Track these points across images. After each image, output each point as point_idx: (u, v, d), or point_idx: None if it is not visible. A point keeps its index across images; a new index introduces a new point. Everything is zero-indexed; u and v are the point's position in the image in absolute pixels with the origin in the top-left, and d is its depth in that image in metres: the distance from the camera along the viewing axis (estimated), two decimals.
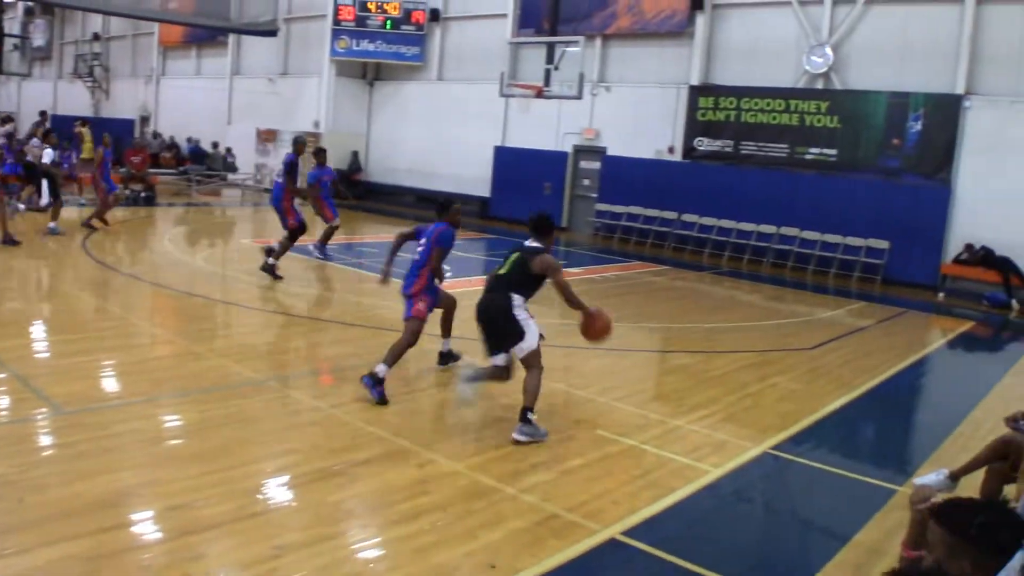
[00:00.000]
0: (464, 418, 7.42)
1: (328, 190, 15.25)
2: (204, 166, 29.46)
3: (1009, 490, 5.60)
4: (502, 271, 7.22)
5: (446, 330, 8.73)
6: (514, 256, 7.25)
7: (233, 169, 30.13)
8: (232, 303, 11.44)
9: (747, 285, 17.66)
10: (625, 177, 22.63)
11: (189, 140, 31.86)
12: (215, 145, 30.54)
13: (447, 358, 8.82)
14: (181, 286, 12.24)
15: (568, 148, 24.20)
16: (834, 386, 9.35)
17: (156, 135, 34.00)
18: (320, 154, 15.48)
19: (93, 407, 6.76)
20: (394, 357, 7.59)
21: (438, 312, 8.57)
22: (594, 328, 7.22)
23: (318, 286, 13.40)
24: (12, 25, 42.82)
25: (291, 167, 13.74)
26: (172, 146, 32.08)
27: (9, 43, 40.06)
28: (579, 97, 19.08)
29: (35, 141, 18.90)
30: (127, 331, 9.49)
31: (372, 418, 7.00)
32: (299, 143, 14.38)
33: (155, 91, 37.03)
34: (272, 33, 30.12)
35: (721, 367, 9.79)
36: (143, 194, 23.31)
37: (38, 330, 9.39)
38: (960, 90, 18.12)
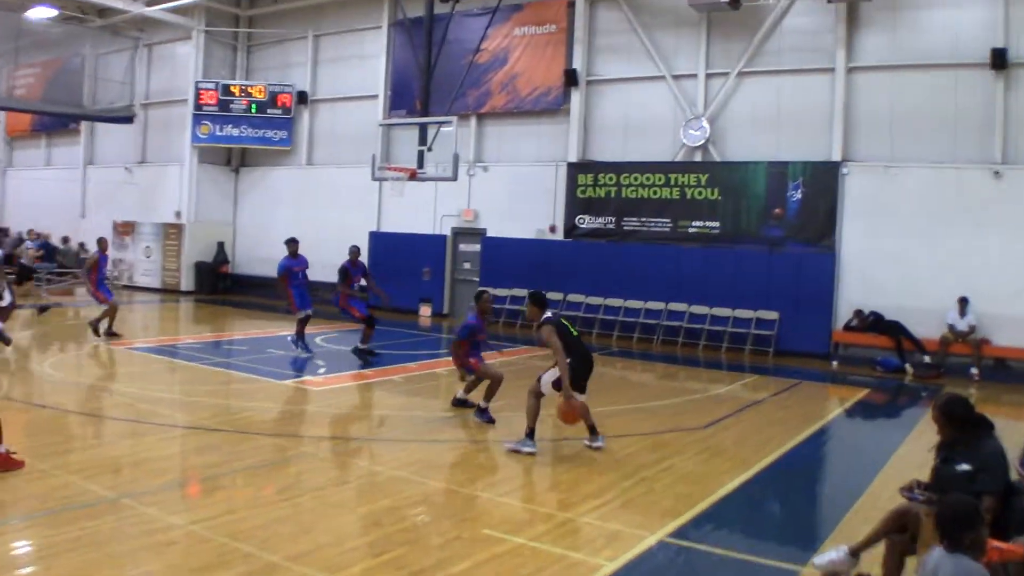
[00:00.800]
0: (341, 524, 7.08)
1: (299, 280, 16.25)
2: (54, 263, 28.38)
3: (911, 561, 5.58)
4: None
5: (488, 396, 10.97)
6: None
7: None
8: (85, 413, 10.85)
9: (638, 364, 17.78)
10: (507, 258, 22.73)
11: (37, 236, 30.73)
12: (66, 240, 29.53)
13: (462, 403, 11.36)
14: (27, 397, 11.62)
15: (447, 231, 24.27)
16: (731, 465, 9.34)
17: (7, 232, 32.71)
18: (292, 244, 16.59)
19: None
20: (491, 394, 10.04)
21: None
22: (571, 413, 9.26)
23: (181, 389, 12.85)
24: None
25: (344, 273, 15.62)
26: (18, 242, 30.87)
27: None
28: (454, 178, 19.08)
29: None
30: None
31: (237, 531, 6.61)
32: (353, 251, 15.99)
33: (1, 183, 35.74)
34: (128, 120, 29.48)
35: (614, 452, 9.70)
36: None
37: None
38: (837, 157, 18.91)
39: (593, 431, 9.84)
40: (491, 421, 10.86)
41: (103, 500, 7.32)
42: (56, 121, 32.81)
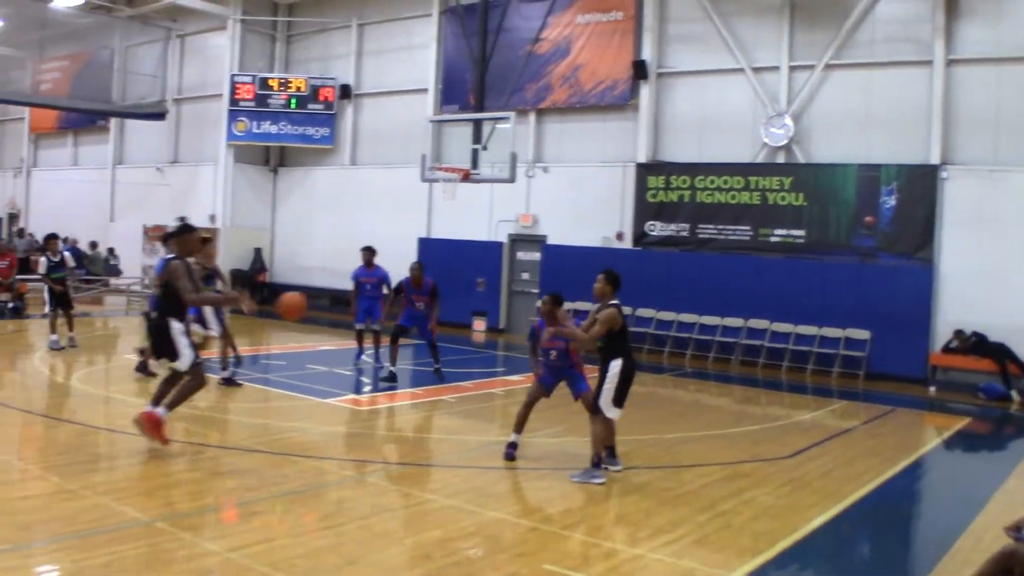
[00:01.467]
0: (388, 556, 7.15)
1: (367, 291, 16.94)
2: (82, 270, 28.96)
3: None
4: None
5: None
6: None
7: (116, 272, 29.70)
8: (115, 430, 11.02)
9: (714, 387, 17.69)
10: (569, 268, 22.57)
11: (64, 241, 31.39)
12: (94, 245, 30.11)
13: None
14: (54, 411, 11.90)
15: (503, 237, 24.38)
16: (817, 498, 9.26)
17: (22, 234, 33.48)
18: (366, 252, 17.25)
19: None
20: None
21: None
22: None
23: (218, 407, 13.06)
24: None
25: (398, 288, 16.09)
26: (44, 247, 31.56)
27: None
28: (512, 180, 19.19)
29: None
30: None
31: (278, 561, 6.69)
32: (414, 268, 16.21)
33: (25, 184, 36.64)
34: (160, 116, 30.13)
35: (688, 483, 9.67)
36: (10, 305, 22.80)
37: None
38: (935, 160, 18.67)
39: (612, 453, 9.94)
40: None
41: (136, 523, 7.44)
42: (83, 118, 33.60)
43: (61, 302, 17.58)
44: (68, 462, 9.46)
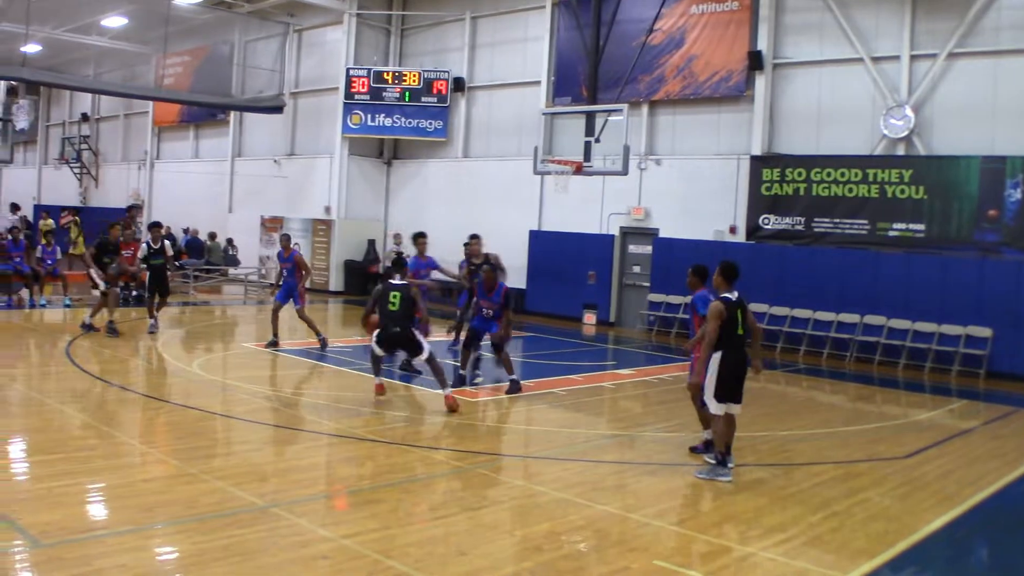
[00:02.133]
0: (497, 548, 7.26)
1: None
2: (202, 260, 29.82)
3: None
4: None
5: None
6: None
7: (235, 263, 30.49)
8: (232, 416, 11.43)
9: (828, 384, 17.43)
10: (681, 262, 22.29)
11: (186, 231, 32.37)
12: (213, 236, 30.99)
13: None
14: (175, 397, 12.30)
15: (614, 230, 24.34)
16: (935, 501, 9.10)
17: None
18: (419, 240, 17.63)
19: (75, 539, 6.70)
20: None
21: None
22: None
23: (328, 395, 13.38)
24: None
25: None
26: (167, 237, 32.56)
27: None
28: (625, 172, 19.14)
29: None
30: (113, 450, 9.46)
31: (390, 549, 6.88)
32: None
33: (148, 176, 37.88)
34: (278, 110, 30.83)
35: (800, 482, 9.59)
36: (134, 292, 23.54)
37: (13, 449, 9.39)
38: None
39: (727, 451, 9.72)
40: None
41: (253, 508, 7.71)
42: (204, 111, 34.62)
43: (159, 288, 18.25)
44: (188, 447, 9.83)
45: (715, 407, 9.41)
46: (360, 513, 7.84)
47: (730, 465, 9.61)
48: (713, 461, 9.56)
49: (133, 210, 25.66)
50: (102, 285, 17.69)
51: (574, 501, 8.41)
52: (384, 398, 12.67)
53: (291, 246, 17.73)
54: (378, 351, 12.49)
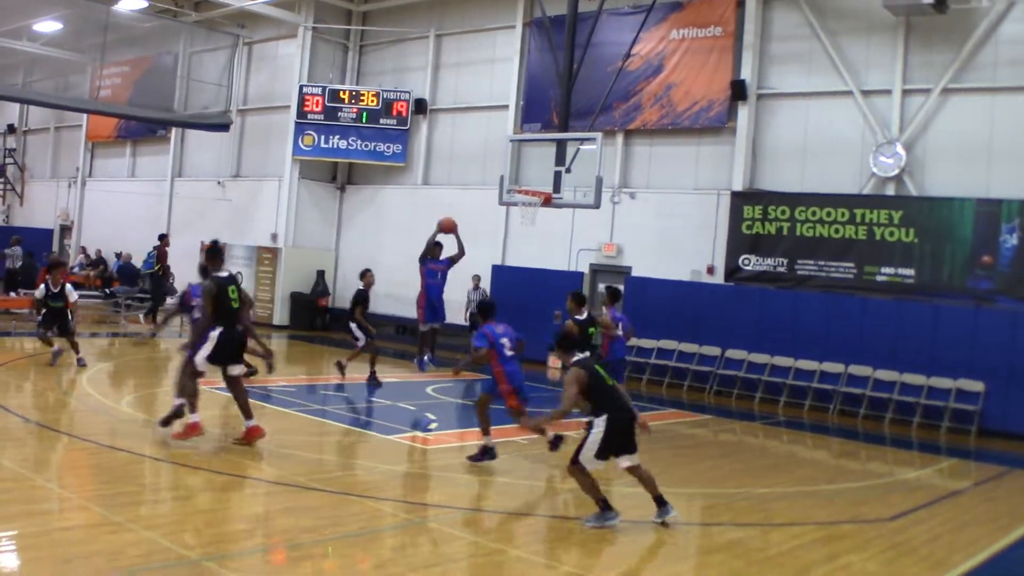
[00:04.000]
0: None
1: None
2: (136, 287, 29.55)
3: None
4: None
5: None
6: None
7: (171, 292, 30.16)
8: (164, 460, 11.28)
9: (810, 438, 17.54)
10: (655, 303, 22.64)
11: (118, 256, 32.07)
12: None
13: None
14: (102, 438, 12.11)
15: (584, 268, 24.41)
16: (923, 567, 9.14)
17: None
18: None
19: None
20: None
21: None
22: None
23: (272, 439, 13.18)
24: None
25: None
26: (97, 262, 32.32)
27: None
28: (597, 206, 19.21)
29: None
30: (29, 494, 9.31)
31: None
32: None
33: (79, 195, 37.63)
34: (224, 127, 30.77)
35: (780, 544, 9.61)
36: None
37: None
38: None
39: (661, 502, 9.68)
40: None
41: (184, 561, 7.62)
42: (143, 127, 34.50)
43: (61, 328, 17.84)
44: (112, 492, 9.70)
45: (594, 464, 9.46)
46: (299, 569, 7.82)
47: (671, 515, 9.59)
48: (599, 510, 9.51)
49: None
50: None
51: (534, 560, 8.43)
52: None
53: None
54: None
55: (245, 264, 29.67)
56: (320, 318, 29.15)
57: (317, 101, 28.53)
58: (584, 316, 14.29)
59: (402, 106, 28.22)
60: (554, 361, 23.93)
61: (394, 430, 14.39)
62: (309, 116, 28.61)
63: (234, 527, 9.11)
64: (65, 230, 37.47)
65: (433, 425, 14.77)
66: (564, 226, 24.03)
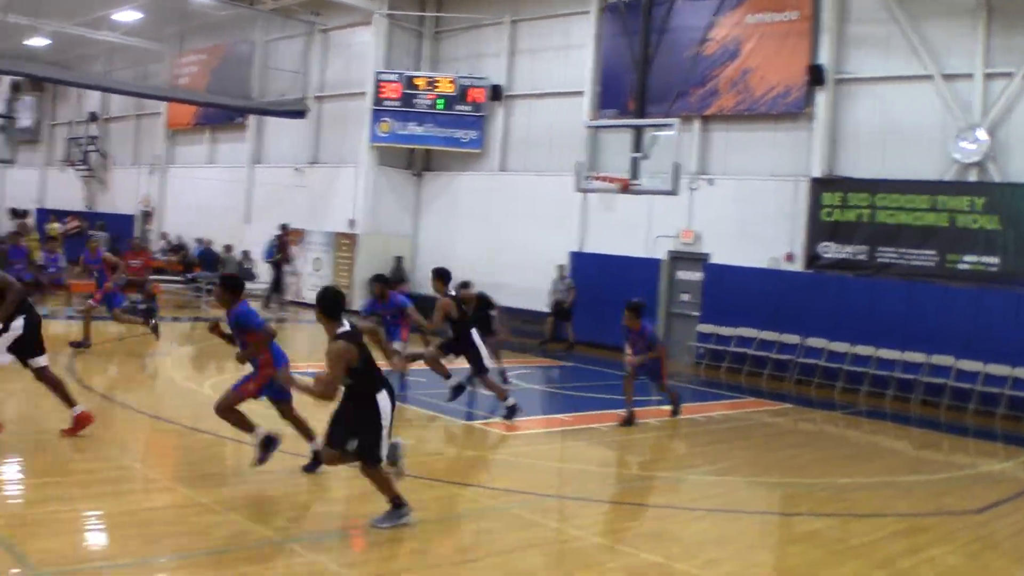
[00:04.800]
0: None
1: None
2: (216, 272, 30.03)
3: None
4: None
5: None
6: None
7: (251, 276, 30.65)
8: (247, 443, 11.53)
9: (892, 428, 17.49)
10: (734, 291, 22.69)
11: (199, 241, 32.72)
12: (229, 248, 31.30)
13: None
14: (185, 420, 12.43)
15: (662, 254, 24.47)
16: (1008, 561, 9.18)
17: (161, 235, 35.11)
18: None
19: (73, 568, 6.91)
20: None
21: None
22: None
23: None
24: None
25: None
26: (178, 248, 33.03)
27: None
28: (674, 192, 19.29)
29: None
30: (117, 475, 9.58)
31: None
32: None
33: (160, 182, 38.43)
34: (300, 114, 31.20)
35: (860, 535, 9.65)
36: (142, 306, 23.90)
37: (8, 471, 9.56)
38: None
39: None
40: None
41: (268, 542, 7.93)
42: (221, 114, 35.06)
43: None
44: (197, 473, 10.02)
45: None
46: (381, 552, 7.98)
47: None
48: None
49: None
50: None
51: (613, 547, 8.57)
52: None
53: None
54: None
55: (324, 250, 30.22)
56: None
57: (394, 88, 28.80)
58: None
59: (478, 92, 28.42)
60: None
61: (474, 416, 14.67)
62: (385, 103, 28.92)
63: (316, 510, 9.39)
64: (147, 216, 38.22)
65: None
66: (642, 213, 24.05)
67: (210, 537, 7.82)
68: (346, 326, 8.36)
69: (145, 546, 7.48)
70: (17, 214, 36.27)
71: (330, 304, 8.49)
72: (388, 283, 15.07)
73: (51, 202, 43.41)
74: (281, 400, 10.24)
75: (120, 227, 34.88)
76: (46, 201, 43.81)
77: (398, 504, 8.49)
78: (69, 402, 10.86)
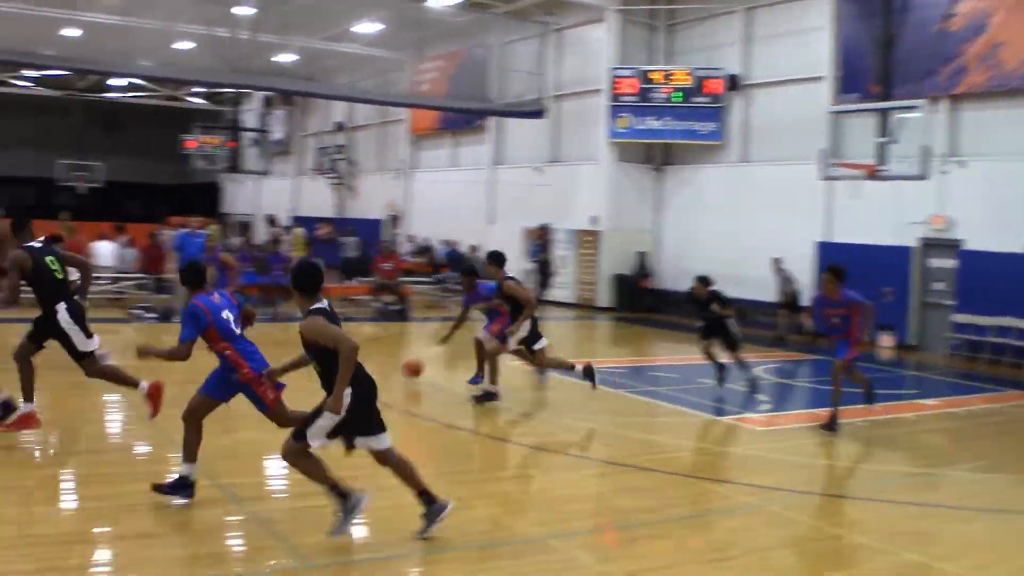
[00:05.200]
0: None
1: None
2: (457, 274, 30.97)
3: None
4: None
5: None
6: None
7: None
8: (500, 439, 12.08)
9: None
10: (992, 279, 21.77)
11: (445, 243, 33.90)
12: (474, 248, 32.17)
13: None
14: (440, 417, 13.03)
15: (912, 242, 23.94)
16: None
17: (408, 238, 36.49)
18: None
19: (343, 560, 7.47)
20: None
21: None
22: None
23: (604, 419, 13.65)
24: (249, 118, 48.04)
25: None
26: (425, 249, 34.34)
27: (247, 138, 45.05)
28: (924, 177, 18.95)
29: None
30: (378, 470, 10.09)
31: None
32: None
33: (405, 186, 40.02)
34: (539, 114, 31.90)
35: None
36: (394, 307, 25.06)
37: (276, 465, 9.92)
38: None
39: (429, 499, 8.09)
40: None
41: (528, 539, 8.24)
42: (461, 118, 36.26)
43: None
44: (456, 469, 10.46)
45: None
46: (635, 549, 8.13)
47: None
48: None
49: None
50: None
51: (874, 547, 8.40)
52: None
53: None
54: None
55: (567, 247, 30.87)
56: (643, 299, 29.73)
57: (630, 83, 29.15)
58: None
59: (715, 83, 28.42)
60: (885, 340, 23.67)
61: (724, 411, 14.66)
62: (622, 98, 29.33)
63: (572, 507, 9.43)
64: (394, 220, 39.75)
65: (764, 406, 15.09)
66: (889, 199, 23.47)
67: (471, 532, 8.15)
68: (322, 303, 7.71)
69: (404, 540, 7.82)
70: (274, 222, 38.31)
71: (304, 279, 7.86)
72: (475, 275, 15.16)
73: (304, 210, 45.60)
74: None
75: (369, 232, 36.28)
76: (299, 209, 46.06)
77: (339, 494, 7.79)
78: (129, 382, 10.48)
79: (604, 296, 30.08)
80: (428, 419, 13.17)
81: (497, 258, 14.03)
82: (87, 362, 10.29)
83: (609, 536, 8.69)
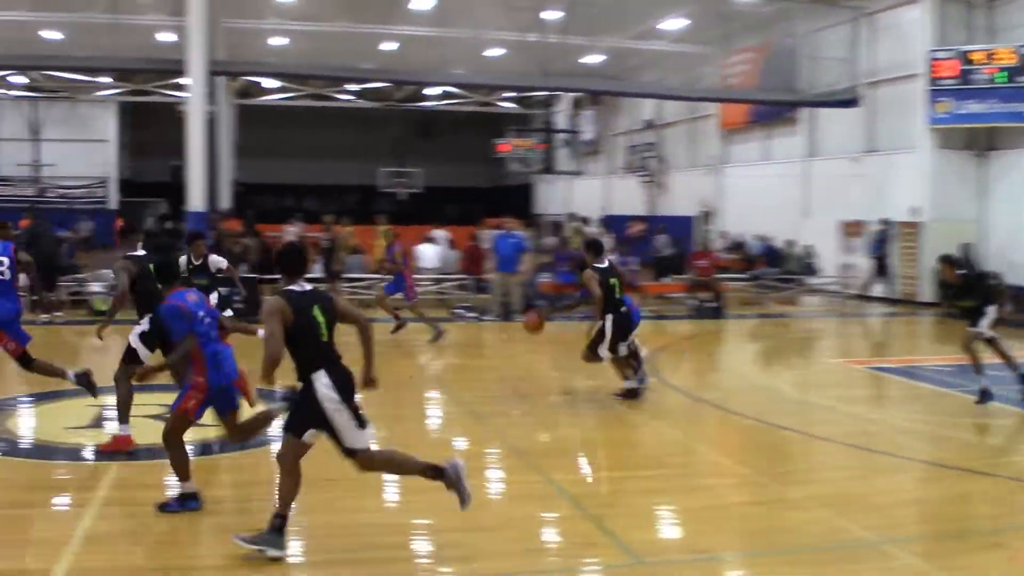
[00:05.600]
0: None
1: None
2: (778, 269, 30.96)
3: None
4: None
5: None
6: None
7: (813, 271, 31.22)
8: (826, 439, 11.96)
9: None
10: None
11: (760, 238, 33.76)
12: (791, 243, 32.07)
13: None
14: (761, 415, 13.09)
15: None
16: None
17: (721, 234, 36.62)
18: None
19: (676, 559, 7.71)
20: None
21: None
22: None
23: (926, 419, 13.52)
24: (559, 120, 49.44)
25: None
26: (738, 245, 34.37)
27: (558, 139, 46.44)
28: None
29: None
30: (702, 468, 10.43)
31: None
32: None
33: (716, 182, 40.19)
34: (852, 103, 31.35)
35: None
36: (710, 304, 25.37)
37: (601, 461, 10.69)
38: None
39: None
40: None
41: (863, 544, 8.14)
42: (772, 110, 36.14)
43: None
44: (782, 470, 10.65)
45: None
46: (979, 558, 7.86)
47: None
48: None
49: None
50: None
51: None
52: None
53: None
54: None
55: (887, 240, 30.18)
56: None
57: (951, 65, 28.13)
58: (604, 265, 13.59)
59: None
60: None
61: None
62: (940, 82, 28.40)
63: (906, 510, 9.35)
64: (706, 216, 39.90)
65: None
66: None
67: (802, 534, 8.24)
68: (302, 287, 7.55)
69: (738, 541, 8.14)
70: (581, 220, 39.05)
71: (284, 260, 7.79)
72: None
73: (615, 208, 46.33)
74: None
75: (680, 229, 36.57)
76: (610, 208, 46.83)
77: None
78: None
79: (927, 290, 29.14)
80: (748, 416, 13.22)
81: (594, 246, 13.99)
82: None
83: (946, 544, 8.39)
